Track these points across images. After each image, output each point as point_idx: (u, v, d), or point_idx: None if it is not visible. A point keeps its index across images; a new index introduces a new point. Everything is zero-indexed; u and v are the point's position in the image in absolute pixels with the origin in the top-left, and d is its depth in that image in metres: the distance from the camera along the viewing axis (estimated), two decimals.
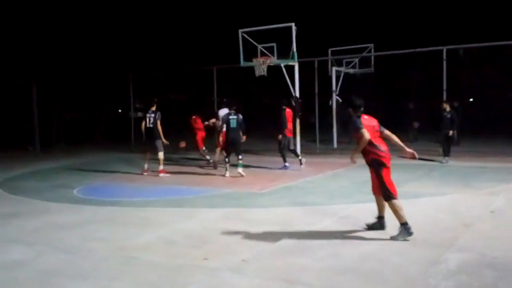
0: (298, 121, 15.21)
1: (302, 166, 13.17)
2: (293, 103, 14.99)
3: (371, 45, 19.47)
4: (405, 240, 6.16)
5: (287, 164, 13.23)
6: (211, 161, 13.94)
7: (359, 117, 6.41)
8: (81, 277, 5.23)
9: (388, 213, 6.52)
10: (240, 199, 9.32)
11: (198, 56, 24.00)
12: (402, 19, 28.61)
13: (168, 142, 12.86)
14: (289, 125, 13.32)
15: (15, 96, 23.47)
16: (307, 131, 17.60)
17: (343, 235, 6.55)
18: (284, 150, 13.22)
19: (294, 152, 13.70)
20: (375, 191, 6.75)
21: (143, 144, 13.89)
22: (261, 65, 15.29)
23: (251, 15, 23.30)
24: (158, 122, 12.52)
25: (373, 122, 6.55)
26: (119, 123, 28.08)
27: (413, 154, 6.76)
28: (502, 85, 29.05)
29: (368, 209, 8.12)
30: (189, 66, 22.70)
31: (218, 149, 13.53)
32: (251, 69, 15.55)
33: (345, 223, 7.27)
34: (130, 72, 21.14)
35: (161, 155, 12.63)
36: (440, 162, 13.60)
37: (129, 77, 20.84)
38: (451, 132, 13.73)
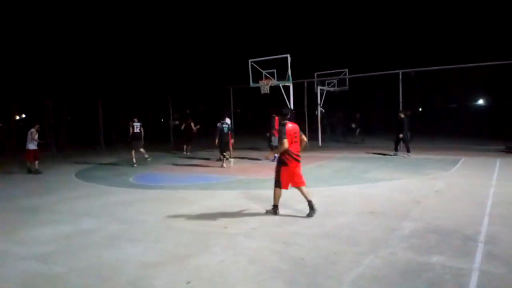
0: None
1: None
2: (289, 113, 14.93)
3: (346, 70, 19.38)
4: (269, 214, 6.31)
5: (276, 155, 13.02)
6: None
7: (284, 125, 6.11)
8: (135, 240, 5.29)
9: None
10: (250, 183, 9.35)
11: (219, 78, 24.01)
12: (370, 49, 28.50)
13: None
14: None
15: (86, 108, 23.70)
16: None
17: (325, 210, 6.55)
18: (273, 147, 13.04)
19: None
20: (292, 185, 6.26)
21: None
22: (265, 86, 15.30)
23: (258, 47, 23.32)
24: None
25: (295, 129, 6.20)
26: (161, 129, 28.13)
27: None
28: (445, 98, 28.95)
29: (344, 191, 8.15)
30: (212, 85, 22.71)
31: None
32: (258, 88, 15.57)
33: (326, 201, 7.27)
34: (168, 91, 21.23)
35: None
36: (403, 157, 13.39)
37: (168, 96, 20.94)
38: (401, 135, 13.53)
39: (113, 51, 20.99)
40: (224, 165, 12.37)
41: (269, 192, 8.26)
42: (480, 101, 30.15)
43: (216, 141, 12.69)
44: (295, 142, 6.17)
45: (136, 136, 13.23)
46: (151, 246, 5.02)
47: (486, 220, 5.63)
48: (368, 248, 4.62)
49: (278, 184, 6.28)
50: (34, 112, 24.07)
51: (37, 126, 12.22)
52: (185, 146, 16.93)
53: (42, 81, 19.88)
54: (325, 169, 11.44)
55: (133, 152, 13.28)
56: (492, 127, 18.76)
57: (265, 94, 15.39)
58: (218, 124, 12.62)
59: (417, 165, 11.42)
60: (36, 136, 12.02)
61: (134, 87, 24.52)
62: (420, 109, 31.71)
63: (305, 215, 6.16)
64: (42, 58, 19.67)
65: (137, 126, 13.24)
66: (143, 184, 9.95)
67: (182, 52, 23.47)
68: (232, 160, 12.78)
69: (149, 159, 13.43)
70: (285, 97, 15.53)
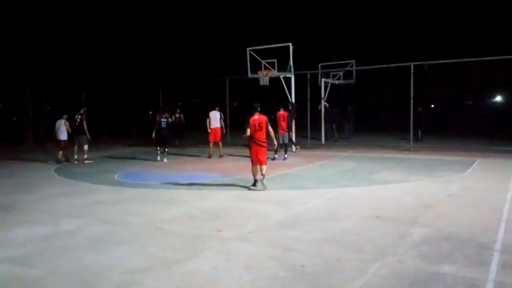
0: (293, 121, 15.19)
1: (286, 160, 13.01)
2: (290, 107, 14.96)
3: (353, 61, 19.37)
4: (250, 189, 8.46)
5: (276, 155, 13.14)
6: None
7: (251, 115, 8.42)
8: (120, 243, 5.29)
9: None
10: (247, 183, 9.25)
11: (214, 68, 23.92)
12: (380, 39, 28.44)
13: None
14: (282, 124, 13.18)
15: (67, 98, 23.56)
16: (301, 130, 17.57)
17: (328, 213, 6.57)
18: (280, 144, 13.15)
19: (285, 146, 13.34)
20: (259, 163, 8.51)
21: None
22: (264, 77, 15.29)
23: (257, 35, 23.22)
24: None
25: (260, 120, 8.39)
26: (150, 123, 28.07)
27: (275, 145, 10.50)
28: (460, 94, 29.08)
29: (350, 193, 8.17)
30: (207, 76, 22.64)
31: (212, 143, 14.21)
32: (257, 79, 15.56)
33: (330, 203, 7.29)
34: (159, 80, 21.15)
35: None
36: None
37: (159, 84, 20.84)
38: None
39: (99, 34, 20.83)
40: (159, 158, 13.40)
41: (267, 193, 8.31)
42: (498, 98, 30.26)
43: (153, 135, 13.44)
44: (260, 130, 8.39)
45: (78, 130, 13.41)
46: (137, 250, 5.01)
47: (502, 227, 5.65)
48: (374, 256, 4.63)
49: (252, 163, 8.61)
50: (11, 101, 23.95)
51: (65, 116, 13.46)
52: (176, 141, 16.97)
53: (19, 65, 19.71)
54: (329, 169, 11.46)
55: (75, 147, 13.46)
56: (510, 126, 18.83)
57: (264, 86, 15.38)
58: (157, 118, 13.61)
59: (430, 166, 11.45)
60: (68, 125, 13.34)
61: (122, 75, 24.37)
62: (432, 106, 31.81)
63: (305, 218, 6.20)
64: (20, 40, 19.52)
65: (78, 118, 13.39)
66: (129, 182, 9.94)
67: (175, 38, 23.33)
68: (165, 157, 13.57)
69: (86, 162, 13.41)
70: (286, 89, 15.54)
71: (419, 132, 17.85)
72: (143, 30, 22.20)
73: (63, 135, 13.32)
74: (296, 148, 13.96)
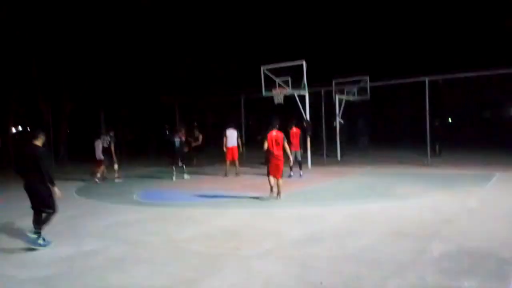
0: (309, 139, 15.21)
1: (302, 177, 12.95)
2: (304, 125, 15.00)
3: (367, 77, 19.35)
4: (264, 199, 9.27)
5: (292, 173, 13.08)
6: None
7: (269, 131, 9.18)
8: (141, 262, 5.37)
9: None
10: (264, 201, 9.31)
11: (229, 87, 24.17)
12: (394, 54, 28.44)
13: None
14: (294, 141, 13.04)
15: (87, 119, 24.12)
16: (316, 147, 17.57)
17: (346, 229, 6.56)
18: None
19: (299, 163, 13.16)
20: (276, 176, 9.22)
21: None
22: (278, 95, 15.36)
23: (271, 53, 23.47)
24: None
25: (277, 136, 9.12)
26: (166, 142, 28.35)
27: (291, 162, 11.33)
28: (477, 107, 28.79)
29: (368, 209, 8.13)
30: (222, 95, 22.86)
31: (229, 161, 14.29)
32: (272, 97, 15.66)
33: (348, 220, 7.27)
34: (175, 100, 21.46)
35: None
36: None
37: (175, 104, 21.15)
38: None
39: (116, 55, 21.28)
40: (174, 178, 13.51)
41: (285, 210, 8.33)
42: None
43: (170, 153, 14.02)
44: (277, 145, 9.08)
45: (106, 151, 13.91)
46: (157, 269, 5.08)
47: None
48: (394, 272, 4.61)
49: (268, 173, 9.30)
50: (33, 124, 24.56)
51: (102, 137, 14.03)
52: (194, 160, 17.06)
53: (41, 91, 20.31)
54: (346, 185, 11.42)
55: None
56: None
57: (279, 104, 15.44)
58: (171, 138, 14.21)
59: (448, 181, 11.32)
60: (101, 146, 13.76)
61: (139, 96, 24.81)
62: (450, 120, 31.51)
63: (323, 234, 6.21)
64: (41, 67, 20.13)
65: (107, 141, 13.88)
66: (147, 201, 10.07)
67: (191, 58, 23.67)
68: (185, 173, 13.83)
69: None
70: (301, 107, 15.60)
71: (437, 146, 17.65)
72: (159, 50, 22.63)
73: (100, 155, 13.92)
74: (300, 174, 13.44)
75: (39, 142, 6.29)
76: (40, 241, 6.13)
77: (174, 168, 13.77)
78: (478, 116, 30.10)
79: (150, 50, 22.12)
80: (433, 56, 26.80)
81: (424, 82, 14.81)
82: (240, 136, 14.76)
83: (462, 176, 12.21)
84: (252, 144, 19.36)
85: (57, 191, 6.15)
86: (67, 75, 20.76)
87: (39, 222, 6.17)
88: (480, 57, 22.59)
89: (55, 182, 6.23)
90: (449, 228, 6.41)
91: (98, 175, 13.79)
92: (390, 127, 31.22)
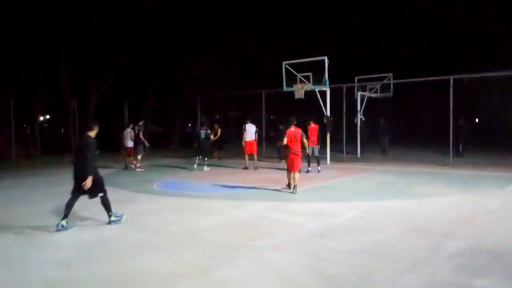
0: (328, 135, 15.15)
1: (320, 173, 12.97)
2: (325, 121, 14.94)
3: (391, 74, 19.13)
4: (281, 191, 9.65)
5: (309, 168, 13.16)
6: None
7: (288, 127, 9.59)
8: (159, 250, 5.49)
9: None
10: (281, 195, 9.38)
11: (251, 82, 24.20)
12: (418, 52, 27.96)
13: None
14: (312, 137, 13.06)
15: (111, 112, 24.60)
16: (336, 143, 17.49)
17: (363, 225, 6.55)
18: (309, 157, 13.15)
19: (316, 159, 13.27)
20: (293, 170, 9.42)
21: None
22: (299, 90, 15.38)
23: (293, 48, 23.42)
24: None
25: (296, 132, 9.47)
26: (189, 135, 28.65)
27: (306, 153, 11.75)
28: (502, 107, 28.04)
29: (386, 206, 8.09)
30: (244, 90, 22.94)
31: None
32: (292, 92, 15.67)
33: (365, 215, 7.26)
34: (198, 94, 21.70)
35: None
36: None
37: (197, 99, 21.40)
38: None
39: (141, 48, 21.59)
40: (195, 166, 14.01)
41: (301, 204, 8.36)
42: None
43: (195, 144, 14.54)
44: (295, 141, 9.41)
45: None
46: (174, 256, 5.20)
47: None
48: (407, 267, 4.61)
49: (287, 169, 9.65)
50: (59, 115, 25.19)
51: (131, 125, 14.86)
52: (215, 152, 17.30)
53: (68, 83, 20.80)
54: (365, 182, 11.35)
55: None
56: None
57: (300, 99, 15.45)
58: (196, 130, 14.87)
59: (469, 181, 11.14)
60: (133, 134, 14.61)
61: (162, 90, 25.15)
62: (477, 120, 30.82)
63: (339, 229, 6.23)
64: (69, 60, 20.61)
65: (136, 129, 14.66)
66: (167, 191, 10.25)
67: (214, 54, 23.82)
68: (205, 165, 14.32)
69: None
70: (321, 103, 15.55)
71: (460, 146, 17.28)
72: (182, 45, 22.85)
73: (129, 143, 14.64)
74: (318, 170, 13.34)
75: (92, 133, 6.73)
76: (64, 223, 6.38)
77: (197, 159, 14.10)
78: (506, 117, 29.32)
79: (174, 44, 22.33)
80: (459, 55, 26.24)
81: (449, 80, 14.53)
82: (256, 131, 14.81)
83: (483, 177, 11.98)
84: (272, 139, 19.41)
85: (88, 181, 6.41)
86: (92, 66, 21.19)
87: (70, 207, 6.55)
88: (509, 57, 21.96)
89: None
90: (467, 227, 6.33)
91: (135, 162, 14.50)
92: (413, 126, 30.74)
